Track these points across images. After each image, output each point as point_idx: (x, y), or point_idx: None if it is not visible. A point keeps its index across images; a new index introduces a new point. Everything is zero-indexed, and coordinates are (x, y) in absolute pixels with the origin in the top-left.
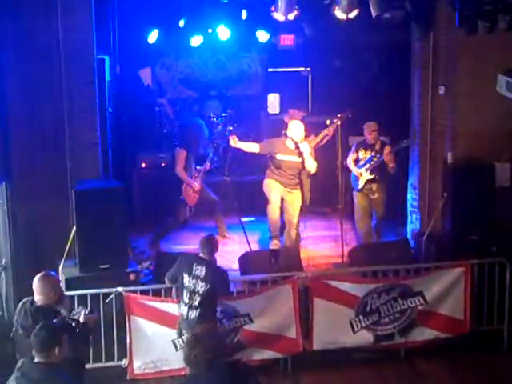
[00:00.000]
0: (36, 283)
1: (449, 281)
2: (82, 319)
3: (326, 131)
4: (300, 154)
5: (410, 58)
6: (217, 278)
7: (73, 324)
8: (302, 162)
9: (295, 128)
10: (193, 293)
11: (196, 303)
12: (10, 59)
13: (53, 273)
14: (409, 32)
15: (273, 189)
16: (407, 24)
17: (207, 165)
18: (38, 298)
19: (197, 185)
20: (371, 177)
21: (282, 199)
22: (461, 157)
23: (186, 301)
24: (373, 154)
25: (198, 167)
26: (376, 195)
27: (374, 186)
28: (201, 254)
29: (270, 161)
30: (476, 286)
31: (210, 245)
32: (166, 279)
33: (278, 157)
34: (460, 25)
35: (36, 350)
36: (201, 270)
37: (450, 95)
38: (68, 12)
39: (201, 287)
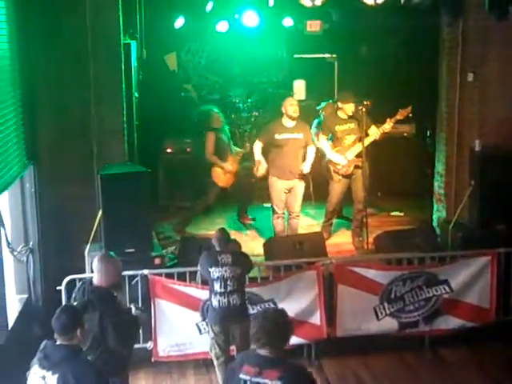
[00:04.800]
0: (96, 264)
1: (475, 269)
2: (134, 313)
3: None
4: None
5: (438, 44)
6: (244, 260)
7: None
8: None
9: None
10: (227, 279)
11: (235, 287)
12: (37, 44)
13: (113, 254)
14: (437, 17)
15: None
16: (436, 9)
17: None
18: (95, 277)
19: (229, 166)
20: None
21: None
22: (489, 144)
23: (221, 290)
24: None
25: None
26: None
27: None
28: (218, 248)
29: None
30: (503, 276)
31: (225, 237)
32: (197, 281)
33: None
34: (490, 10)
35: (58, 332)
36: (226, 258)
37: (478, 82)
38: None
39: (233, 271)
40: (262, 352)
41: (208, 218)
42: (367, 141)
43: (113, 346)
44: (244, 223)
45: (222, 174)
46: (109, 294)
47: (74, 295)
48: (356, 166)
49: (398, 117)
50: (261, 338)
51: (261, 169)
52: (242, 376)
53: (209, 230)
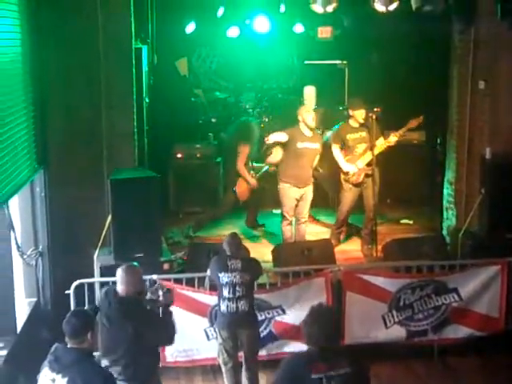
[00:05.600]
0: (121, 274)
1: (484, 278)
2: (161, 298)
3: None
4: None
5: (449, 51)
6: (254, 266)
7: (153, 307)
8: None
9: None
10: (236, 285)
11: (243, 293)
12: (49, 49)
13: (135, 263)
14: (449, 25)
15: None
16: (448, 16)
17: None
18: (120, 288)
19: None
20: None
21: None
22: (499, 152)
23: (230, 295)
24: None
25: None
26: None
27: None
28: (228, 253)
29: None
30: None
31: (236, 242)
32: (206, 286)
33: None
34: (502, 17)
35: (69, 336)
36: (236, 263)
37: (489, 90)
38: (107, 1)
39: (242, 277)
40: (325, 349)
41: (217, 223)
42: (375, 151)
43: (154, 343)
44: (253, 229)
45: (246, 188)
46: (137, 301)
47: (98, 305)
48: (366, 175)
49: (410, 126)
50: (321, 337)
51: (275, 154)
52: (314, 376)
53: (218, 235)
